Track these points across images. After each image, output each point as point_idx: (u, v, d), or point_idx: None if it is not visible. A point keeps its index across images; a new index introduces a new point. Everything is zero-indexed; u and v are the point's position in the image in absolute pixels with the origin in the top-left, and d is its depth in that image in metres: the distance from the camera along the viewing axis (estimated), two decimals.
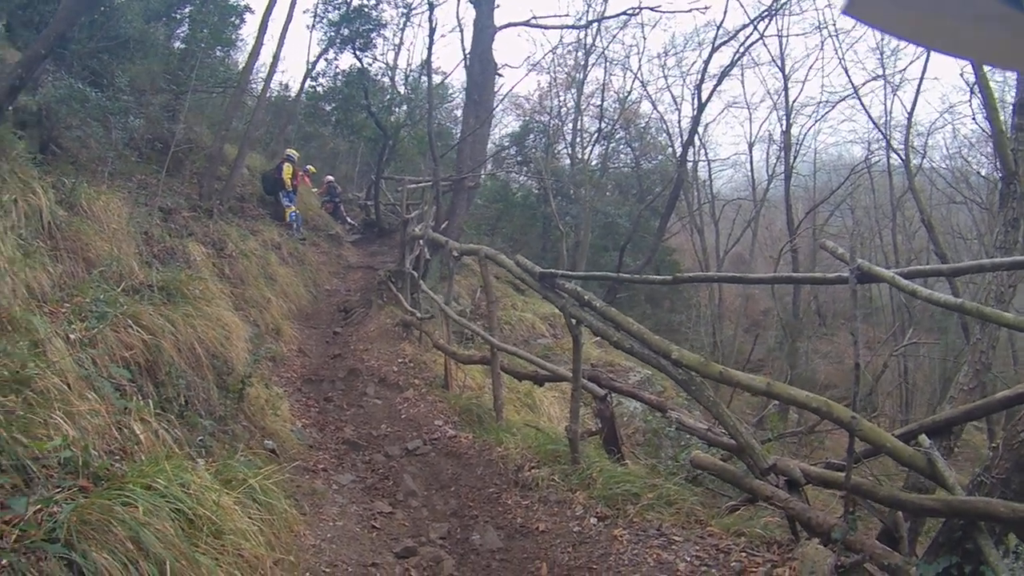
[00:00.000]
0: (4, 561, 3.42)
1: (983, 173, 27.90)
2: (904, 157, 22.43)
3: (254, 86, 21.84)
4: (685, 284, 17.34)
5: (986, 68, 12.69)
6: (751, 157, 36.67)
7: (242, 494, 5.13)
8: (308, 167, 23.17)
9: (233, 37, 21.35)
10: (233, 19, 19.94)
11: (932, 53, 21.96)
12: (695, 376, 7.09)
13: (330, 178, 26.70)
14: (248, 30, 27.80)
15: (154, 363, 7.15)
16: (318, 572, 5.88)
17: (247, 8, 20.37)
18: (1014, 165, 10.03)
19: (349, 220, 26.14)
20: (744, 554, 6.09)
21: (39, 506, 3.85)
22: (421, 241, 15.96)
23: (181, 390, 7.32)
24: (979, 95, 16.27)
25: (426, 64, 24.31)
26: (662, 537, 6.52)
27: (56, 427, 4.69)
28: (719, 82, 26.50)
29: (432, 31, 20.87)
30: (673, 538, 6.47)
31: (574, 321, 8.22)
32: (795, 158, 30.79)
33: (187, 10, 19.84)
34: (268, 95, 20.41)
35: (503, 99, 27.11)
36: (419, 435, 10.14)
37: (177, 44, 19.71)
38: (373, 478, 8.72)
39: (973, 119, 25.01)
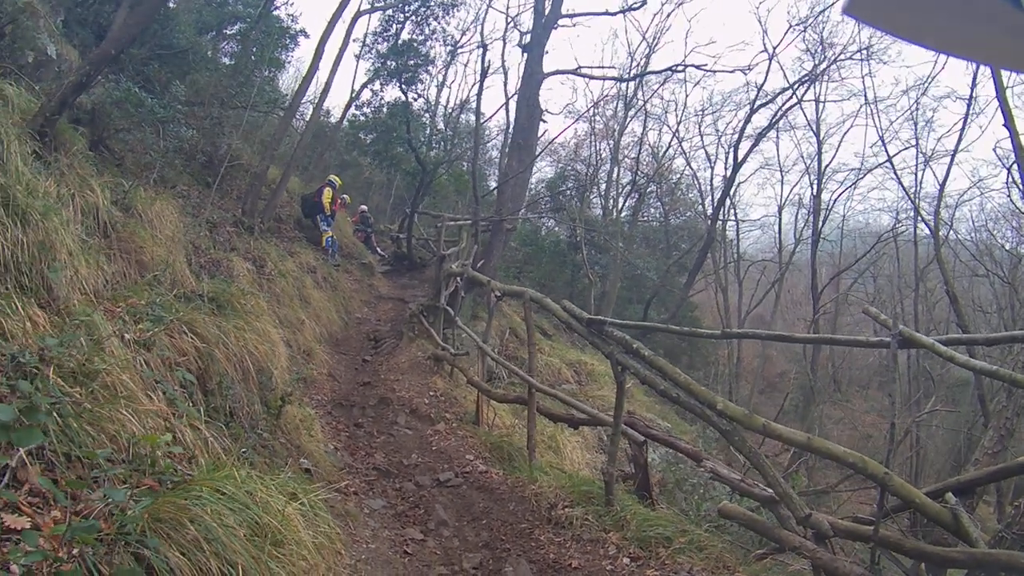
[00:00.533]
0: (76, 551, 3.42)
1: (1007, 247, 27.99)
2: (933, 227, 22.47)
3: (302, 110, 22.00)
4: (717, 340, 17.40)
5: None
6: (780, 219, 36.78)
7: (297, 508, 5.14)
8: (344, 196, 23.27)
9: (283, 59, 21.57)
10: (286, 41, 20.15)
11: (965, 133, 22.15)
12: (737, 427, 7.13)
13: (363, 208, 26.79)
14: (297, 53, 27.99)
15: (205, 371, 7.17)
16: None
17: (302, 32, 20.59)
18: None
19: (380, 251, 26.21)
20: None
21: (108, 500, 3.85)
22: (458, 279, 16.00)
23: (229, 400, 7.34)
24: (1017, 171, 16.30)
25: (476, 104, 24.58)
26: None
27: (122, 423, 4.69)
28: (756, 143, 26.70)
29: (484, 72, 21.09)
30: None
31: (620, 368, 8.23)
32: (823, 223, 30.90)
33: (237, 27, 20.07)
34: (315, 120, 20.52)
35: (546, 146, 27.29)
36: (450, 467, 10.10)
37: (225, 60, 19.93)
38: (404, 506, 8.69)
39: (1007, 195, 25.02)
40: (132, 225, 8.99)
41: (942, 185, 23.06)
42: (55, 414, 4.13)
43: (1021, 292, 22.59)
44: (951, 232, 28.04)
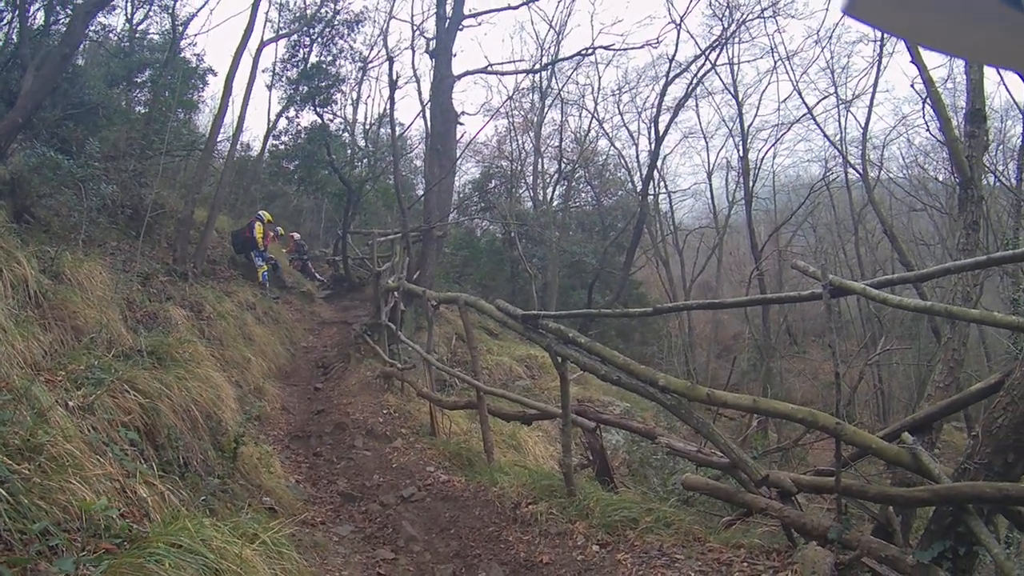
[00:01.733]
0: None
1: (940, 179, 28.34)
2: (862, 171, 22.82)
3: (219, 147, 21.91)
4: (655, 316, 17.53)
5: (934, 78, 13.04)
6: (711, 185, 37.03)
7: (258, 548, 5.20)
8: (278, 227, 23.19)
9: (196, 99, 21.47)
10: (195, 82, 20.06)
11: (881, 69, 22.45)
12: (683, 400, 7.25)
13: (296, 235, 26.58)
14: (209, 92, 27.82)
15: (152, 426, 7.17)
16: None
17: (210, 70, 20.52)
18: (969, 171, 10.34)
19: (319, 277, 26.06)
20: (746, 564, 6.23)
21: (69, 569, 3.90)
22: (396, 293, 16.03)
23: (180, 451, 7.35)
24: (931, 107, 16.61)
25: (390, 116, 24.49)
26: (664, 557, 6.65)
27: (73, 492, 4.74)
28: (675, 114, 26.92)
29: (393, 84, 21.05)
30: (675, 557, 6.60)
31: (560, 359, 8.34)
32: (754, 182, 31.10)
33: (147, 74, 19.92)
34: (233, 156, 20.44)
35: (465, 148, 27.33)
36: (412, 482, 10.16)
37: (139, 108, 19.81)
38: (372, 527, 8.75)
39: (927, 129, 25.41)
40: (63, 291, 8.99)
41: (865, 127, 23.48)
42: (5, 492, 4.17)
43: (958, 222, 23.00)
44: (883, 172, 28.54)
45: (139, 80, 20.29)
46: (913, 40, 1.43)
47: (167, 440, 7.26)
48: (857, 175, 25.75)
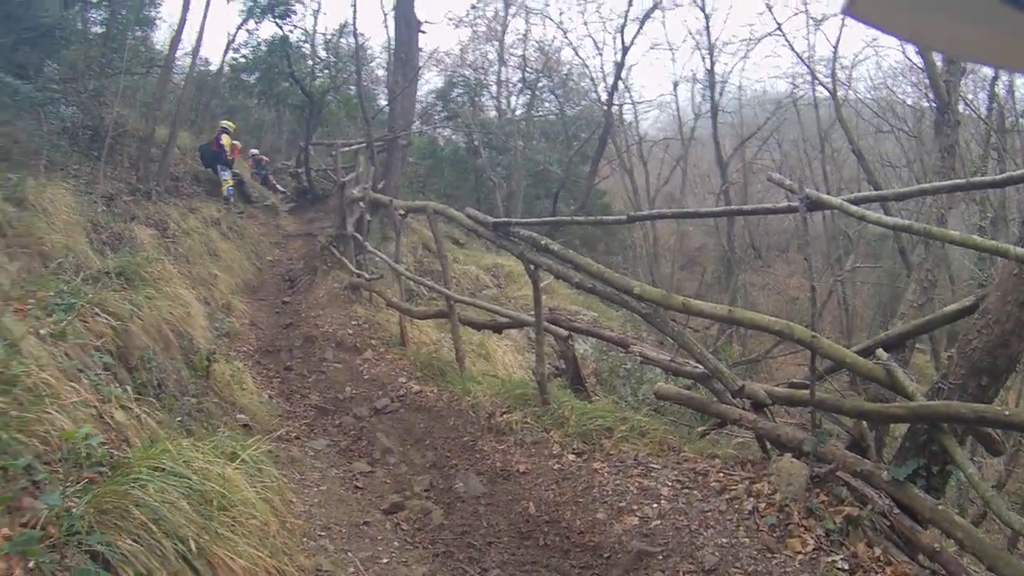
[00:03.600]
0: (31, 564, 3.47)
1: (909, 102, 28.35)
2: (831, 89, 22.76)
3: (179, 63, 21.54)
4: (625, 224, 17.50)
5: None
6: (676, 97, 37.12)
7: (238, 467, 5.23)
8: (236, 142, 22.91)
9: (153, 16, 21.06)
10: None
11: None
12: (658, 309, 7.31)
13: (255, 151, 26.22)
14: (166, 8, 27.11)
15: (125, 348, 7.16)
16: (314, 536, 6.02)
17: None
18: (947, 95, 10.39)
19: (280, 189, 25.87)
20: (721, 474, 6.36)
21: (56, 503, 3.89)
22: (361, 203, 15.97)
23: (154, 373, 7.36)
24: None
25: (352, 25, 24.21)
26: (640, 466, 6.80)
27: (52, 423, 4.72)
28: (642, 25, 26.78)
29: None
30: (651, 466, 6.74)
31: (532, 266, 8.36)
32: (721, 95, 31.05)
33: None
34: (193, 71, 20.10)
35: (429, 57, 27.05)
36: (384, 394, 10.27)
37: (96, 28, 19.42)
38: (346, 440, 8.88)
39: (903, 51, 25.39)
40: (27, 218, 8.91)
41: (835, 45, 23.51)
42: None
43: (928, 145, 23.03)
44: (850, 92, 28.38)
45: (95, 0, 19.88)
46: (913, 40, 1.42)
47: (140, 362, 7.27)
48: (825, 93, 25.68)
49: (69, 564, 3.62)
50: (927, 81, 13.66)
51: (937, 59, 11.51)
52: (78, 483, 4.27)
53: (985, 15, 1.21)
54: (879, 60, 45.27)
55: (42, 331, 6.14)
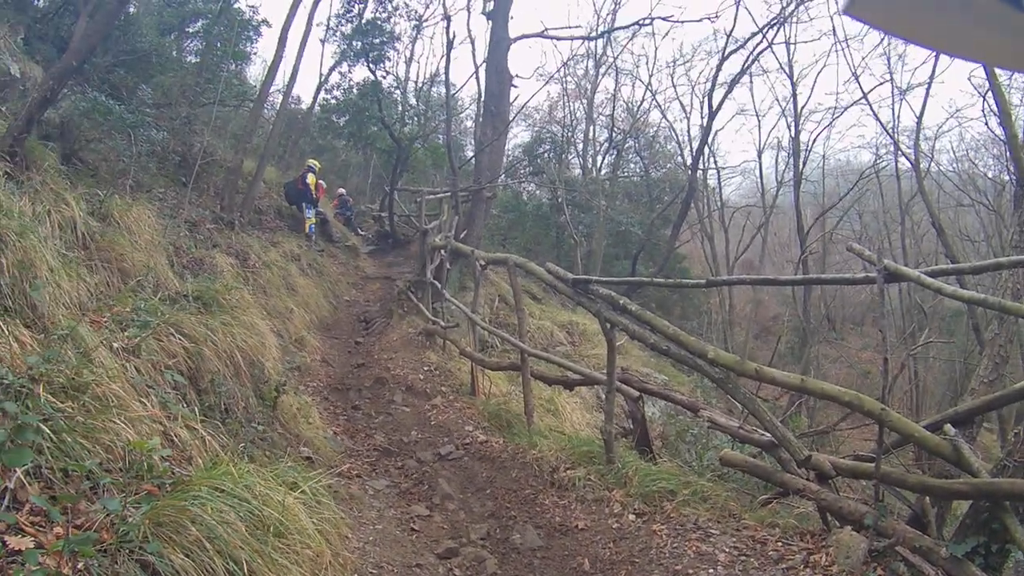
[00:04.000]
0: (81, 565, 3.46)
1: (990, 175, 28.04)
2: (913, 160, 22.49)
3: (271, 99, 21.88)
4: (703, 289, 17.40)
5: (998, 72, 12.78)
6: (760, 164, 36.80)
7: (299, 497, 5.20)
8: (321, 181, 23.20)
9: (248, 51, 21.45)
10: (248, 33, 20.02)
11: (938, 64, 22.18)
12: (730, 375, 7.20)
13: (342, 191, 26.68)
14: (262, 44, 27.70)
15: (196, 370, 7.20)
16: (366, 573, 5.96)
17: (264, 22, 20.43)
18: None
19: (361, 231, 26.13)
20: (780, 544, 6.23)
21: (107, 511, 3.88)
22: (442, 251, 16.02)
23: (222, 397, 7.38)
24: (993, 99, 16.32)
25: (445, 75, 24.41)
26: (699, 531, 6.69)
27: (117, 432, 4.73)
28: (730, 90, 26.54)
29: (450, 42, 20.94)
30: (710, 531, 6.63)
31: (608, 325, 8.31)
32: (804, 164, 30.82)
33: (199, 24, 19.93)
34: (285, 108, 20.42)
35: (518, 111, 27.23)
36: (450, 440, 10.22)
37: (190, 58, 19.85)
38: (407, 483, 8.80)
39: (985, 123, 25.13)
40: (111, 234, 9.01)
41: (920, 117, 23.10)
42: (48, 430, 4.16)
43: (1007, 219, 22.64)
44: (932, 164, 28.12)
45: (191, 30, 20.33)
46: (913, 40, 1.35)
47: (210, 385, 7.30)
48: (907, 165, 25.38)
49: (119, 570, 3.61)
50: (1008, 153, 13.42)
51: (1019, 131, 11.30)
52: (137, 493, 4.27)
53: (985, 15, 1.24)
54: (962, 131, 44.74)
55: (115, 344, 6.20)
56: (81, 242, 8.33)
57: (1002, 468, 5.58)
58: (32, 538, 3.56)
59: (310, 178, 19.62)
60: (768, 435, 7.32)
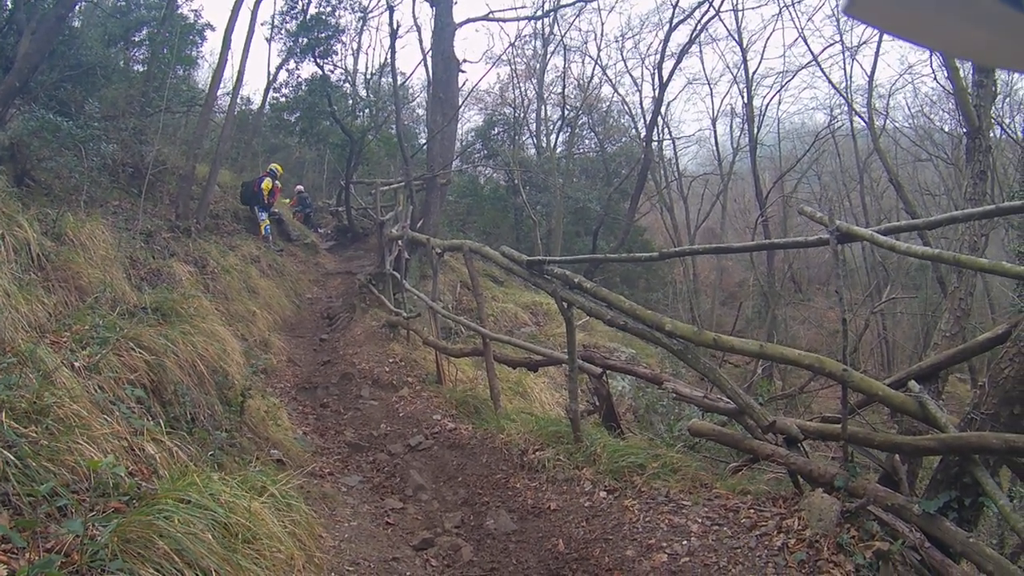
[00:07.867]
0: None
1: (946, 129, 28.20)
2: (867, 119, 22.62)
3: (220, 102, 21.79)
4: (660, 261, 17.47)
5: None
6: (715, 132, 36.76)
7: (266, 501, 5.25)
8: (277, 183, 23.11)
9: (195, 55, 21.36)
10: (193, 37, 19.93)
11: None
12: (690, 345, 7.27)
13: (300, 188, 26.71)
14: (208, 47, 27.59)
15: (159, 382, 7.23)
16: (342, 571, 6.01)
17: (208, 25, 20.35)
18: (977, 120, 10.28)
19: (320, 229, 26.13)
20: (752, 510, 6.28)
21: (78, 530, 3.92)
22: (400, 242, 16.04)
23: (187, 407, 7.40)
24: (939, 54, 16.49)
25: (391, 65, 24.39)
26: (671, 503, 6.73)
27: (81, 453, 4.77)
28: (679, 60, 26.64)
29: (394, 32, 20.91)
30: (682, 503, 6.68)
31: (565, 304, 8.35)
32: (759, 129, 30.91)
33: (144, 32, 19.80)
34: (233, 110, 20.34)
35: (468, 96, 27.24)
36: (419, 431, 10.28)
37: (137, 67, 19.73)
38: (380, 477, 8.86)
39: (934, 78, 25.36)
40: (65, 252, 9.04)
41: (871, 75, 23.21)
42: (13, 457, 4.21)
43: (964, 172, 22.93)
44: (888, 121, 28.21)
45: (136, 39, 20.16)
46: (914, 40, 1.39)
47: (174, 396, 7.33)
48: (862, 123, 25.51)
49: None
50: (959, 108, 13.60)
51: (967, 84, 11.44)
52: (104, 512, 4.31)
53: (985, 15, 1.21)
54: (916, 87, 44.93)
55: (76, 363, 6.23)
56: (37, 263, 8.37)
57: (969, 421, 5.65)
58: (5, 565, 3.60)
59: (265, 183, 19.63)
60: (733, 403, 7.41)
